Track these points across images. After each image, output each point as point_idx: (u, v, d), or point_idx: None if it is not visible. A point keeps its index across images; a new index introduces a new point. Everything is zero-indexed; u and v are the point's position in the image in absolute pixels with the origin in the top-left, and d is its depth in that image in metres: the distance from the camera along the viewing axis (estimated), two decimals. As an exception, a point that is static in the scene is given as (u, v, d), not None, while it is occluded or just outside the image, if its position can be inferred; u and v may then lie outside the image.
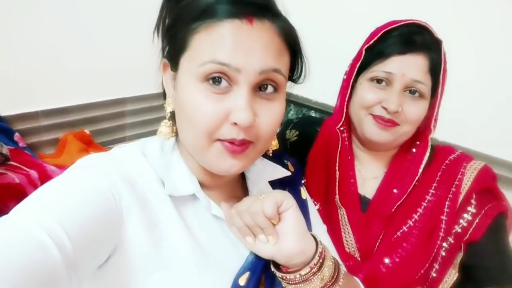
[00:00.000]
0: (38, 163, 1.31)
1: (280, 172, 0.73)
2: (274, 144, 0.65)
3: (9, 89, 1.51)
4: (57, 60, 1.61)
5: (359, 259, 0.87)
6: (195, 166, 0.61)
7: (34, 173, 1.24)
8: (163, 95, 0.64)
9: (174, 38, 0.55)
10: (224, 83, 0.52)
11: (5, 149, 1.16)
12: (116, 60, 1.81)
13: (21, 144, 1.41)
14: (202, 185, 0.62)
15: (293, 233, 0.57)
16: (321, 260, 0.57)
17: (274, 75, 0.53)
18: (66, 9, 1.55)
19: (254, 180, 0.70)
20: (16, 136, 1.42)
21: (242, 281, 0.57)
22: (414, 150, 0.90)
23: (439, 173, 0.87)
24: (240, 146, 0.53)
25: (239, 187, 0.71)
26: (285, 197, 0.58)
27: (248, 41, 0.50)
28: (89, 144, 1.66)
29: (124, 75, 1.80)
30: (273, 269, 0.60)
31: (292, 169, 0.77)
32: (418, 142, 0.90)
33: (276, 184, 0.72)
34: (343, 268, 0.62)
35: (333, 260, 0.60)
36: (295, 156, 0.90)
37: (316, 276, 0.57)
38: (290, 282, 0.58)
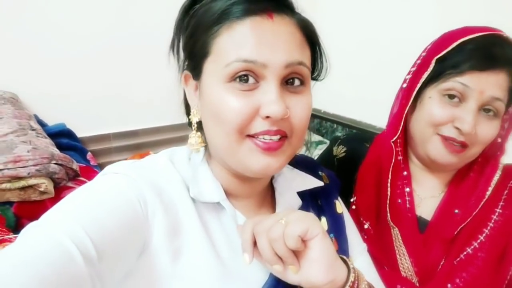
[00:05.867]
0: (105, 180, 1.40)
1: (311, 183, 0.68)
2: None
3: (86, 114, 1.68)
4: (128, 88, 1.77)
5: (417, 284, 0.78)
6: (223, 174, 0.60)
7: (100, 189, 1.31)
8: (186, 110, 0.64)
9: (195, 46, 0.55)
10: (251, 80, 0.51)
11: (75, 165, 1.26)
12: (181, 88, 1.92)
13: (92, 163, 1.53)
14: (229, 195, 0.60)
15: (321, 263, 0.51)
16: None
17: (299, 68, 0.53)
18: (135, 43, 1.70)
19: (281, 191, 0.66)
20: (89, 155, 1.54)
21: None
22: (479, 169, 0.81)
23: (506, 191, 0.77)
24: (276, 143, 0.52)
25: (268, 198, 0.67)
26: (310, 224, 0.50)
27: (271, 36, 0.50)
28: (154, 166, 1.74)
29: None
30: None
31: (327, 181, 0.73)
32: (484, 161, 0.81)
33: (307, 195, 0.67)
34: None
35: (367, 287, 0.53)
36: (343, 174, 0.86)
37: None
38: None
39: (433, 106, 0.76)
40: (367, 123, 1.89)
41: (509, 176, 0.79)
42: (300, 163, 0.71)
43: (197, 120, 0.58)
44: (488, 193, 0.77)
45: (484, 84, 0.71)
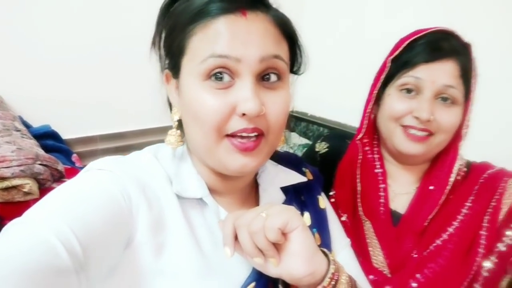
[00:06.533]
0: (90, 182, 1.39)
1: (294, 178, 0.69)
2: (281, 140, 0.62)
3: (72, 115, 1.68)
4: (114, 90, 1.77)
5: (389, 275, 0.81)
6: (206, 171, 0.61)
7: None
8: (169, 107, 0.65)
9: (173, 44, 0.56)
10: (226, 77, 0.52)
11: (61, 166, 1.25)
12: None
13: (77, 164, 1.52)
14: (213, 191, 0.61)
15: (301, 255, 0.51)
16: (333, 282, 0.52)
17: (275, 62, 0.53)
18: (121, 45, 1.70)
19: (265, 187, 0.67)
20: (74, 157, 1.54)
21: None
22: (444, 158, 0.85)
23: (476, 187, 0.81)
24: (252, 142, 0.53)
25: (252, 194, 0.68)
26: (290, 217, 0.50)
27: (245, 32, 0.51)
28: (140, 168, 1.74)
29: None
30: (281, 287, 0.57)
31: (310, 177, 0.74)
32: (445, 150, 0.84)
33: (290, 191, 0.69)
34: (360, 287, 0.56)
35: (347, 280, 0.54)
36: (325, 168, 0.89)
37: None
38: None
39: (392, 101, 0.82)
40: (353, 126, 1.91)
41: (480, 172, 0.83)
42: (284, 159, 0.73)
43: (178, 118, 0.59)
44: (451, 179, 0.81)
45: (435, 74, 0.76)
